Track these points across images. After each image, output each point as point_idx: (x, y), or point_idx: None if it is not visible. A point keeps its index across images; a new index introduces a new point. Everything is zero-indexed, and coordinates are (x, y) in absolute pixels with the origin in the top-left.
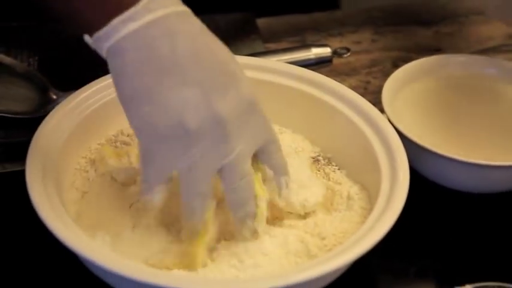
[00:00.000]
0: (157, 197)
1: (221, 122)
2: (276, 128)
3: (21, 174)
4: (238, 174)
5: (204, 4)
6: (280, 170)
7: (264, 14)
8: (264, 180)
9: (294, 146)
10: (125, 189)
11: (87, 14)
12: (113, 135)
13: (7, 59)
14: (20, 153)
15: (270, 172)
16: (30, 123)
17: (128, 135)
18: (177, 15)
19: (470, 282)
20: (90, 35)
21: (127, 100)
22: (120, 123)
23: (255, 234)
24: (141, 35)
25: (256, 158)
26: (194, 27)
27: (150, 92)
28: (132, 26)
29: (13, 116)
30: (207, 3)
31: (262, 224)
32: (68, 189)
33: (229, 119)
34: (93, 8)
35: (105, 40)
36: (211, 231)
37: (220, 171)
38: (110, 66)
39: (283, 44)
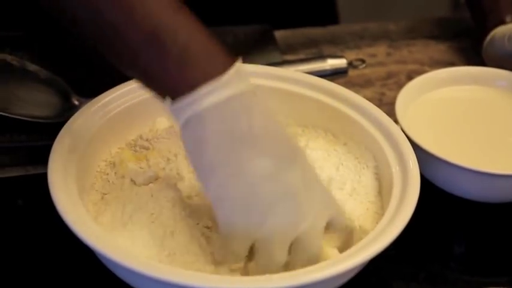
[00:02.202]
0: (242, 264)
1: (291, 190)
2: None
3: (44, 177)
4: (309, 246)
5: (225, 17)
6: (346, 243)
7: (281, 27)
8: None
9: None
10: (143, 191)
11: (172, 79)
12: (133, 140)
13: (31, 66)
14: (43, 156)
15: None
16: (53, 127)
17: (146, 140)
18: (251, 92)
19: (478, 287)
20: (171, 98)
21: (207, 169)
22: (140, 128)
23: None
24: (222, 108)
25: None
26: (264, 103)
27: (230, 162)
28: (215, 99)
29: (36, 120)
30: (227, 16)
31: None
32: (88, 191)
33: (298, 188)
34: (180, 73)
35: (187, 107)
36: None
37: (294, 242)
38: (187, 134)
39: (300, 56)
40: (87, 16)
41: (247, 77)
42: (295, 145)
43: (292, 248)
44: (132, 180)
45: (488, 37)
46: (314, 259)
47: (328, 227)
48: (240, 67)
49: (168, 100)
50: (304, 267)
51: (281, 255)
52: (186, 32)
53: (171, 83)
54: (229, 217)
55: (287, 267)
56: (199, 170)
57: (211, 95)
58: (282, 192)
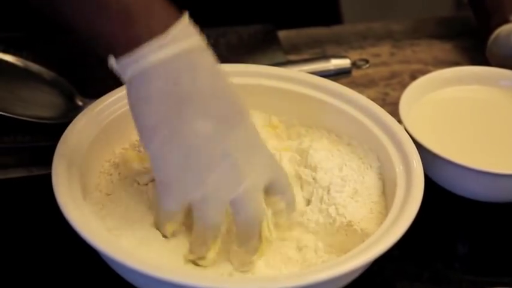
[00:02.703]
0: (175, 226)
1: (232, 152)
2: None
3: (48, 178)
4: (247, 207)
5: (228, 17)
6: (290, 207)
7: (285, 26)
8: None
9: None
10: (147, 191)
11: (115, 37)
12: (136, 140)
13: (35, 66)
14: (46, 157)
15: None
16: (56, 128)
17: None
18: (200, 48)
19: (482, 287)
20: (115, 56)
21: (148, 127)
22: None
23: (247, 264)
24: (166, 65)
25: (267, 195)
26: (212, 62)
27: (171, 121)
28: (159, 56)
29: (40, 121)
30: (231, 16)
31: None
32: (92, 192)
33: (239, 150)
34: (123, 32)
35: (130, 65)
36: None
37: (232, 204)
38: (132, 91)
39: (304, 56)
40: None
41: (196, 34)
42: (240, 107)
43: (232, 212)
44: (135, 180)
45: (492, 36)
46: (254, 222)
47: (270, 189)
48: (188, 23)
49: (113, 57)
50: (245, 232)
51: (216, 217)
52: None
53: (115, 40)
54: (165, 176)
55: (229, 234)
56: (141, 129)
57: (156, 52)
58: (220, 154)
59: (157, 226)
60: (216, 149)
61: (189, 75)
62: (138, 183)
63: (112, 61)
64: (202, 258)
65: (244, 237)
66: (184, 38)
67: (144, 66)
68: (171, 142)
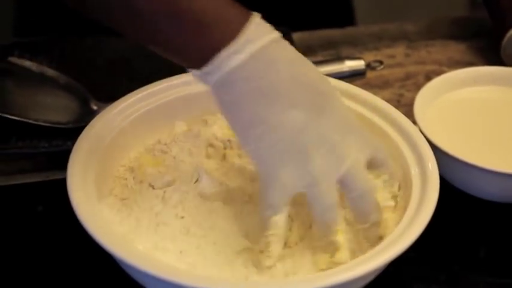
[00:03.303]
0: (283, 218)
1: (327, 135)
2: None
3: (64, 182)
4: (357, 181)
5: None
6: (392, 178)
7: (299, 28)
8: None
9: None
10: (163, 195)
11: (191, 48)
12: (151, 144)
13: (50, 71)
14: (62, 161)
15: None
16: (72, 133)
17: (165, 144)
18: (275, 43)
19: None
20: (193, 66)
21: (244, 128)
22: (158, 133)
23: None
24: (246, 66)
25: (370, 169)
26: (289, 53)
27: (262, 117)
28: (238, 59)
29: (55, 125)
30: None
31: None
32: (107, 196)
33: (334, 132)
34: (197, 42)
35: (213, 73)
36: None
37: (342, 184)
38: (219, 97)
39: (318, 58)
40: None
41: (269, 31)
42: (326, 90)
43: (345, 191)
44: (151, 184)
45: (507, 36)
46: (369, 196)
47: (372, 164)
48: (258, 21)
49: (194, 70)
50: (362, 208)
51: (331, 197)
52: None
53: (192, 51)
54: (267, 171)
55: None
56: (236, 130)
57: (234, 56)
58: (316, 140)
59: (263, 222)
60: (312, 136)
61: (270, 70)
62: (153, 188)
63: (194, 73)
64: (331, 246)
65: (363, 214)
66: (258, 36)
67: (225, 72)
68: (266, 137)
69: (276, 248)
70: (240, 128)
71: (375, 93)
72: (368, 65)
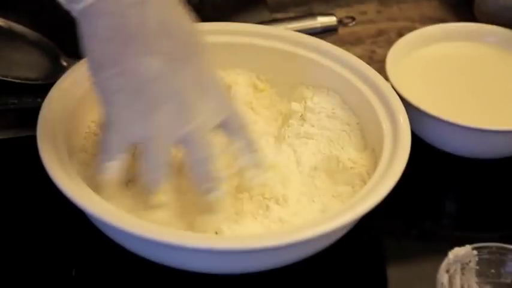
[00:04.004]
0: (116, 166)
1: (181, 91)
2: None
3: (34, 139)
4: (198, 144)
5: None
6: (247, 147)
7: None
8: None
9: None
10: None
11: None
12: None
13: (18, 27)
14: (32, 118)
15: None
16: (42, 89)
17: None
18: None
19: (470, 243)
20: None
21: (94, 64)
22: None
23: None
24: (113, 2)
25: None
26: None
27: (117, 57)
28: None
29: (25, 82)
30: None
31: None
32: (78, 152)
33: (189, 89)
34: None
35: (77, 2)
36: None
37: (182, 142)
38: (81, 28)
39: (290, 14)
40: None
41: None
42: (194, 43)
43: (184, 149)
44: None
45: None
46: (205, 161)
47: (223, 126)
48: None
49: None
50: (198, 173)
51: (164, 154)
52: None
53: None
54: (113, 113)
55: (181, 173)
56: (89, 65)
57: None
58: (169, 92)
59: (99, 165)
60: (164, 87)
61: (135, 10)
62: None
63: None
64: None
65: (199, 179)
66: None
67: (88, 3)
68: (116, 78)
69: (107, 192)
70: (92, 61)
71: (347, 50)
72: (340, 21)
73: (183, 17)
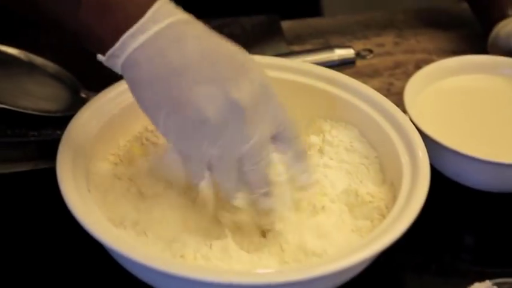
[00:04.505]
0: (205, 184)
1: (239, 109)
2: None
3: (53, 171)
4: (257, 156)
5: (231, 7)
6: (299, 156)
7: (288, 17)
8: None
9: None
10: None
11: (97, 30)
12: (139, 132)
13: (39, 60)
14: (51, 150)
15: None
16: (61, 121)
17: (151, 131)
18: (181, 22)
19: (489, 277)
20: (103, 53)
21: (150, 109)
22: (147, 120)
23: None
24: (150, 45)
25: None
26: (198, 31)
27: (170, 95)
28: (142, 39)
29: (45, 114)
30: (234, 7)
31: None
32: (98, 184)
33: (246, 106)
34: (101, 23)
35: (118, 56)
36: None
37: (245, 156)
38: (127, 80)
39: (307, 46)
40: None
41: (177, 12)
42: (239, 62)
43: (245, 164)
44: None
45: (493, 33)
46: (263, 167)
47: (277, 137)
48: (167, 3)
49: (101, 53)
50: (255, 175)
51: (233, 170)
52: None
53: (96, 32)
54: (181, 148)
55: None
56: (146, 111)
57: (137, 36)
58: (228, 111)
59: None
60: (221, 110)
61: (176, 47)
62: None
63: (101, 57)
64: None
65: (257, 185)
66: (164, 17)
67: (129, 52)
68: (174, 115)
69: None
70: (148, 109)
71: (364, 82)
72: (358, 54)
73: (221, 41)
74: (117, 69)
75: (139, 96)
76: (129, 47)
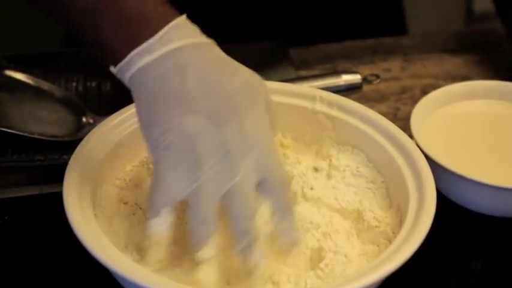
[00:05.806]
0: (165, 226)
1: (225, 146)
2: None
3: (59, 196)
4: (241, 199)
5: (239, 33)
6: (282, 212)
7: (296, 43)
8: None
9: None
10: None
11: (112, 42)
12: (145, 157)
13: (45, 84)
14: (58, 175)
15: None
16: (68, 146)
17: None
18: (191, 47)
19: None
20: (115, 65)
21: (144, 127)
22: None
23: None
24: (154, 67)
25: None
26: (206, 59)
27: (162, 118)
28: (147, 59)
29: (51, 139)
30: (242, 33)
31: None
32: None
33: (232, 145)
34: (116, 36)
35: (126, 71)
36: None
37: (224, 199)
38: (132, 94)
39: (314, 72)
40: None
41: (191, 32)
42: (240, 102)
43: (226, 205)
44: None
45: None
46: (246, 218)
47: (262, 184)
48: (183, 25)
49: (112, 66)
50: (239, 229)
51: (211, 210)
52: None
53: (111, 47)
54: (158, 172)
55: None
56: (140, 125)
57: (145, 56)
58: (211, 149)
59: (147, 219)
60: (207, 144)
61: (177, 74)
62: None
63: (112, 69)
64: (200, 261)
65: (239, 235)
66: (176, 38)
67: (135, 70)
68: (161, 139)
69: (153, 252)
70: (141, 126)
71: (371, 107)
72: (364, 79)
73: (227, 75)
74: (126, 83)
75: (138, 111)
76: (135, 65)
